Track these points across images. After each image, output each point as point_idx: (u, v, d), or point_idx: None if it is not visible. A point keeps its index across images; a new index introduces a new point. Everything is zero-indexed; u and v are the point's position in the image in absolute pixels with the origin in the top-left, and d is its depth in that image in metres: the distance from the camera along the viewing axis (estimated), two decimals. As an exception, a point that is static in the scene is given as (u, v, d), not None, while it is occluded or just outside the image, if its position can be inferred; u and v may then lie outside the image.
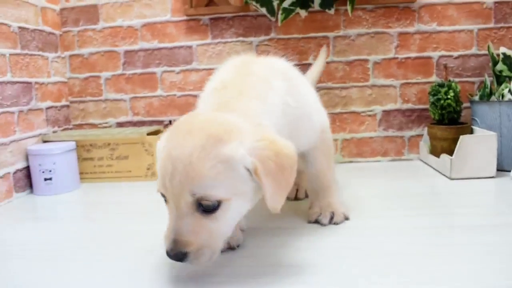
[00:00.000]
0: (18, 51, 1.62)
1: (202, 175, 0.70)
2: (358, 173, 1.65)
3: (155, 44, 1.84)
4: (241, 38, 1.79)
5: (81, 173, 1.71)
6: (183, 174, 0.71)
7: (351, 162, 1.83)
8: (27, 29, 1.68)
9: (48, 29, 1.82)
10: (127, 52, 1.87)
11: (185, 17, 1.80)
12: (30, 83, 1.68)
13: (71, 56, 1.92)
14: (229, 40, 1.79)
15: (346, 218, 1.09)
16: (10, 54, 1.58)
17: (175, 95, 1.84)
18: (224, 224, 0.76)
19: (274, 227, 1.09)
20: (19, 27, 1.63)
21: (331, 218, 1.07)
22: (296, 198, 1.32)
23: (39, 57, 1.75)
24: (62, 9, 1.91)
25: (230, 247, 0.94)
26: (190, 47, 1.82)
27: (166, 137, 0.78)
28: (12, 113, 1.57)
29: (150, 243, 1.02)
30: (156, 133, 1.73)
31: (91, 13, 1.89)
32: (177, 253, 0.73)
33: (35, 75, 1.72)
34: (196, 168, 0.70)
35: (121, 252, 1.00)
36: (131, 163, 1.70)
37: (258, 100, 0.86)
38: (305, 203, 1.22)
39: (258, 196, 0.79)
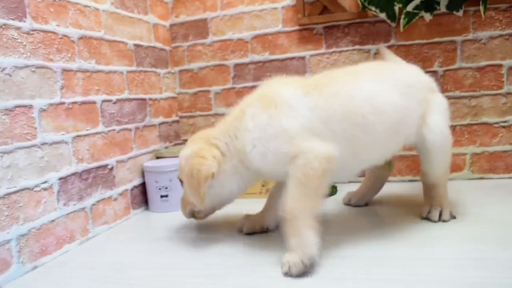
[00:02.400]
0: (134, 68, 1.62)
1: (181, 165, 1.18)
2: (490, 192, 1.47)
3: (266, 56, 1.78)
4: (357, 46, 1.68)
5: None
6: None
7: (481, 178, 1.65)
8: (142, 46, 1.68)
9: (159, 45, 1.82)
10: (237, 65, 1.82)
11: (297, 27, 1.73)
12: (144, 99, 1.67)
13: (181, 71, 1.91)
14: (345, 49, 1.69)
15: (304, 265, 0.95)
16: (127, 72, 1.57)
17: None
18: (185, 195, 1.23)
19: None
20: (135, 45, 1.63)
21: (288, 268, 0.95)
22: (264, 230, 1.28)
23: (152, 74, 1.74)
24: (172, 25, 1.90)
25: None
26: (303, 58, 1.74)
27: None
28: (130, 130, 1.56)
29: (273, 268, 0.92)
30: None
31: (200, 28, 1.86)
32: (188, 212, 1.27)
33: (149, 92, 1.71)
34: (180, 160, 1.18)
35: (253, 281, 0.92)
36: (265, 184, 1.63)
37: (223, 125, 1.18)
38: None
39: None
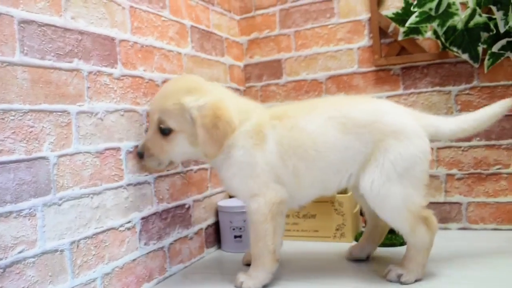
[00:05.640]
0: (211, 108, 1.65)
1: (165, 107, 1.12)
2: None
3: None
4: (437, 88, 1.63)
5: None
6: (158, 102, 1.15)
7: None
8: (219, 86, 1.72)
9: (234, 85, 1.86)
10: (311, 106, 1.81)
11: (373, 68, 1.71)
12: (220, 139, 1.69)
13: (254, 110, 1.93)
14: (424, 90, 1.65)
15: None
16: (206, 112, 1.61)
17: (361, 149, 1.73)
18: (171, 147, 1.15)
19: None
20: (212, 85, 1.67)
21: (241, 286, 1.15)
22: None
23: (228, 113, 1.77)
24: (246, 65, 1.94)
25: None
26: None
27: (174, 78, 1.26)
28: (206, 169, 1.59)
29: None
30: (346, 191, 1.62)
31: (274, 68, 1.89)
32: (139, 152, 1.17)
33: (224, 131, 1.73)
34: (165, 101, 1.13)
35: None
36: (319, 222, 1.61)
37: (239, 105, 1.22)
38: None
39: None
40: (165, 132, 1.13)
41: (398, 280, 1.12)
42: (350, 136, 1.12)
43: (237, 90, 1.87)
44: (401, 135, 1.10)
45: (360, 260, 1.34)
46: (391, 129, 1.10)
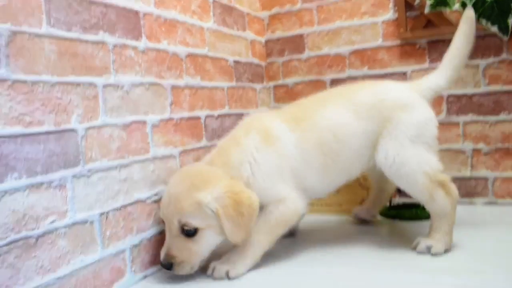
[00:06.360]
0: (233, 84, 1.65)
1: (184, 209, 1.04)
2: None
3: (364, 71, 1.74)
4: (464, 61, 1.58)
5: None
6: (173, 207, 1.06)
7: None
8: (240, 62, 1.71)
9: (256, 61, 1.84)
10: (334, 81, 1.80)
11: (398, 42, 1.68)
12: (242, 114, 1.69)
13: (275, 86, 1.92)
14: (450, 63, 1.60)
15: (227, 276, 1.07)
16: (228, 87, 1.60)
17: (385, 125, 1.70)
18: (201, 246, 1.07)
19: None
20: (234, 61, 1.66)
21: (226, 273, 1.08)
22: None
23: (250, 89, 1.77)
24: (267, 41, 1.92)
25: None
26: (404, 73, 1.68)
27: (170, 179, 1.14)
28: (229, 145, 1.58)
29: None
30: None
31: (296, 43, 1.87)
32: (166, 263, 1.07)
33: (246, 107, 1.73)
34: (181, 204, 1.05)
35: None
36: (343, 196, 1.60)
37: (227, 159, 1.15)
38: None
39: None
40: (190, 233, 1.05)
41: (429, 251, 1.12)
42: (364, 120, 1.17)
43: (258, 65, 1.86)
44: (407, 107, 1.16)
45: (366, 223, 1.46)
46: (397, 104, 1.16)
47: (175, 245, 1.06)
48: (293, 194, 1.15)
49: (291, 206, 1.14)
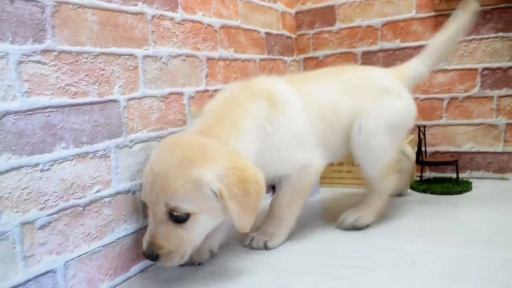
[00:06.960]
0: (265, 56, 1.64)
1: (174, 190, 0.85)
2: None
3: (397, 43, 1.71)
4: (501, 34, 1.56)
5: (321, 177, 1.66)
6: (159, 187, 0.86)
7: None
8: (271, 34, 1.69)
9: (286, 33, 1.82)
10: (365, 53, 1.77)
11: (432, 13, 1.64)
12: (272, 87, 1.68)
13: (305, 59, 1.90)
14: (486, 36, 1.57)
15: (265, 247, 1.08)
16: (260, 60, 1.59)
17: (417, 98, 1.69)
18: (193, 234, 0.89)
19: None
20: (266, 33, 1.65)
21: (265, 244, 1.08)
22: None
23: (280, 61, 1.76)
24: (298, 13, 1.90)
25: (192, 262, 1.01)
26: (438, 45, 1.64)
27: (153, 152, 0.93)
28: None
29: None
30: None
31: (327, 15, 1.84)
32: (151, 254, 0.87)
33: (277, 80, 1.72)
34: (170, 183, 0.85)
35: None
36: None
37: (233, 127, 0.97)
38: None
39: (227, 214, 0.89)
40: (180, 219, 0.87)
41: (354, 224, 1.18)
42: (353, 99, 1.19)
43: (288, 38, 1.84)
44: (389, 92, 1.20)
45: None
46: (382, 88, 1.21)
47: (161, 232, 0.87)
48: (311, 155, 1.12)
49: (311, 171, 1.11)
